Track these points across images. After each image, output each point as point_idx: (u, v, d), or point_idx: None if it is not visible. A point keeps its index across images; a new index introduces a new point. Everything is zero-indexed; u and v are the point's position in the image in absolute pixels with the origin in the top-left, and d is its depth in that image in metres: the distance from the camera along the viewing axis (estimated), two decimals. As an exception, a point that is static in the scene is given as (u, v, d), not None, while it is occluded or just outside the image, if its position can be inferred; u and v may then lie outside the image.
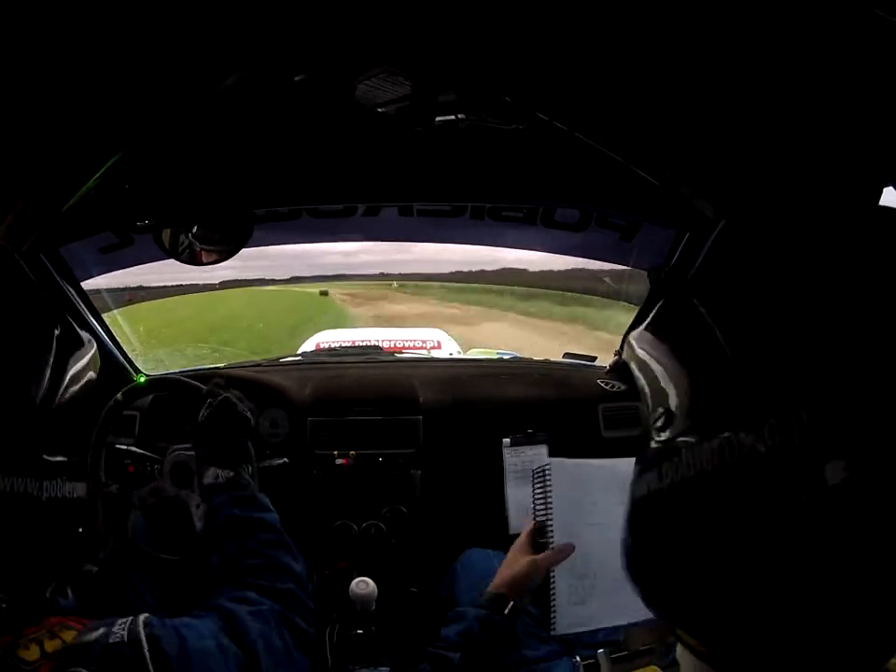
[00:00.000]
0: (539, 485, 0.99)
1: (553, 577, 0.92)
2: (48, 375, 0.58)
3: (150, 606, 1.17)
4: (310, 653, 0.77)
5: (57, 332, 0.61)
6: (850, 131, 0.72)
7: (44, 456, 0.56)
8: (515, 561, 0.92)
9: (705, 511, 0.33)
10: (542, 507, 0.97)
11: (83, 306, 1.44)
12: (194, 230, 1.18)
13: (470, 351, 3.86)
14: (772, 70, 0.66)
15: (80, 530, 0.63)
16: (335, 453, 1.50)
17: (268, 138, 1.08)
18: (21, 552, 0.54)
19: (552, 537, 0.94)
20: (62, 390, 0.59)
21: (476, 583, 1.17)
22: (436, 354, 3.03)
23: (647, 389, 0.40)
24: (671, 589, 0.37)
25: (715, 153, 0.91)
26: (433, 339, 3.61)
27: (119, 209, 1.20)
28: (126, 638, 0.60)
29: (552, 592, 0.92)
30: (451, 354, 3.21)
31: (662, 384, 0.38)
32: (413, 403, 1.54)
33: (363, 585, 1.22)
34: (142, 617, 0.63)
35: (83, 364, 0.63)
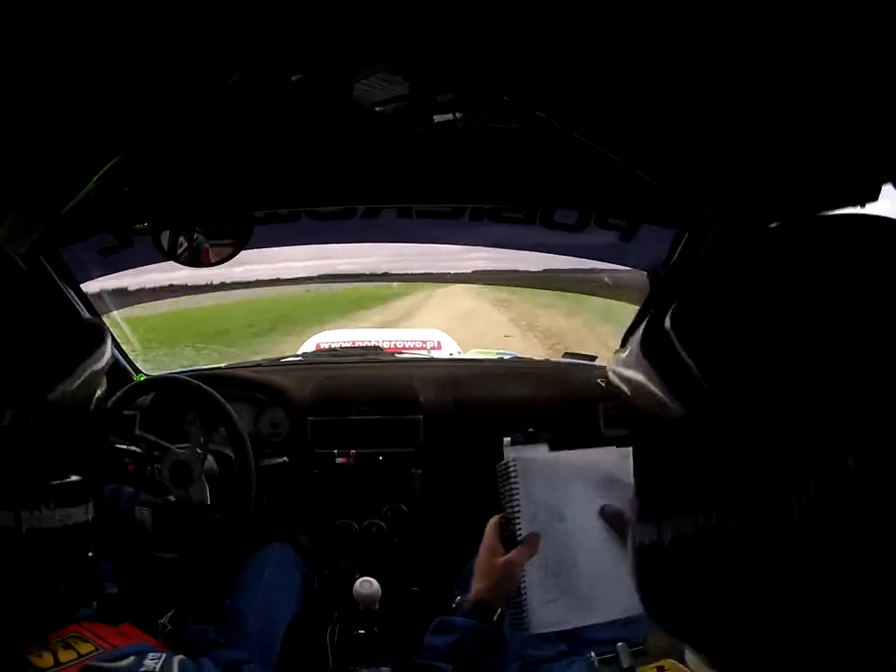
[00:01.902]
0: (502, 481, 0.93)
1: (524, 576, 0.86)
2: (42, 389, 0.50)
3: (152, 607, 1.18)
4: None
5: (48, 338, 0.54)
6: (850, 131, 0.72)
7: (21, 484, 0.49)
8: (490, 566, 0.86)
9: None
10: (508, 503, 0.91)
11: (82, 308, 1.45)
12: (194, 231, 1.19)
13: (470, 351, 3.86)
14: (772, 70, 0.66)
15: (90, 554, 0.57)
16: (335, 452, 1.50)
17: (267, 138, 1.08)
18: (11, 594, 0.49)
19: (519, 530, 0.88)
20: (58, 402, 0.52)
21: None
22: (436, 354, 3.03)
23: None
24: (681, 611, 0.36)
25: (714, 154, 0.91)
26: (433, 339, 3.60)
27: (118, 210, 1.20)
28: (158, 670, 0.59)
29: (522, 591, 0.86)
30: (451, 354, 3.20)
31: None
32: (414, 403, 1.54)
33: (367, 585, 1.22)
34: (176, 658, 0.63)
35: (90, 370, 0.55)
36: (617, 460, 0.91)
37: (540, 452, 0.96)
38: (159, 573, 1.24)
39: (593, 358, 1.89)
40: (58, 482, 0.52)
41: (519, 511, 0.89)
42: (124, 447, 1.24)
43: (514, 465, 0.93)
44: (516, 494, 0.90)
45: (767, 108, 0.75)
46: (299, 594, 1.26)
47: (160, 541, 1.21)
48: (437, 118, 0.86)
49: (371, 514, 1.50)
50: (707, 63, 0.69)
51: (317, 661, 1.31)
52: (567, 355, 1.98)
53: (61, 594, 0.55)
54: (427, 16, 0.65)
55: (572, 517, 0.88)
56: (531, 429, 1.47)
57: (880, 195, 0.81)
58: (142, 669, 0.59)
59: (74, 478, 0.54)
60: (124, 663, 0.59)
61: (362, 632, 1.26)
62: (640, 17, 0.63)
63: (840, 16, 0.56)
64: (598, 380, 1.66)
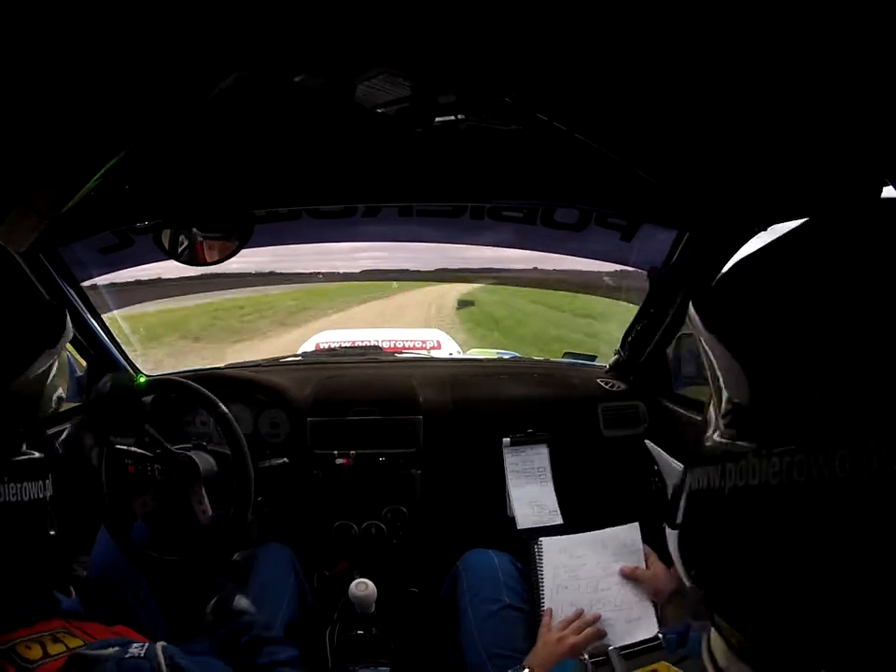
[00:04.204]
0: (533, 555, 1.20)
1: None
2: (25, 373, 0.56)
3: (146, 607, 1.17)
4: None
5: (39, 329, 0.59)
6: (851, 131, 0.72)
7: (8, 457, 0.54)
8: (546, 643, 1.02)
9: (766, 521, 0.33)
10: (536, 568, 1.17)
11: (82, 307, 1.44)
12: (194, 230, 1.18)
13: (470, 351, 3.86)
14: (772, 69, 0.67)
15: (52, 532, 0.60)
16: (335, 453, 1.50)
17: (268, 138, 1.08)
18: None
19: (542, 585, 1.14)
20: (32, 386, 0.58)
21: (477, 584, 1.17)
22: (436, 354, 3.03)
23: (716, 375, 0.39)
24: (719, 581, 0.37)
25: (715, 154, 0.91)
26: (433, 339, 3.60)
27: (118, 209, 1.20)
28: (143, 654, 0.61)
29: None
30: (451, 354, 3.20)
31: (732, 377, 0.37)
32: (413, 403, 1.54)
33: (362, 587, 1.22)
34: (159, 645, 0.65)
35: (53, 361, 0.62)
36: (626, 533, 1.18)
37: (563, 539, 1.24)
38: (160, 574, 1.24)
39: (593, 358, 1.89)
40: (14, 458, 0.56)
41: (543, 571, 1.16)
42: (124, 448, 1.23)
43: (540, 543, 1.21)
44: (541, 561, 1.18)
45: (768, 109, 0.75)
46: (292, 593, 1.26)
47: (159, 543, 1.21)
48: (438, 119, 0.86)
49: (371, 516, 1.50)
50: (707, 65, 0.69)
51: (317, 661, 1.31)
52: (567, 354, 1.98)
53: (30, 573, 0.58)
54: (429, 18, 0.65)
55: (587, 577, 1.14)
56: (531, 429, 1.48)
57: (881, 196, 0.81)
58: (127, 655, 0.60)
59: (35, 454, 0.58)
60: (109, 651, 0.60)
61: (361, 632, 1.26)
62: (641, 18, 0.63)
63: (840, 17, 0.56)
64: (598, 380, 1.66)
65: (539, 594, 1.13)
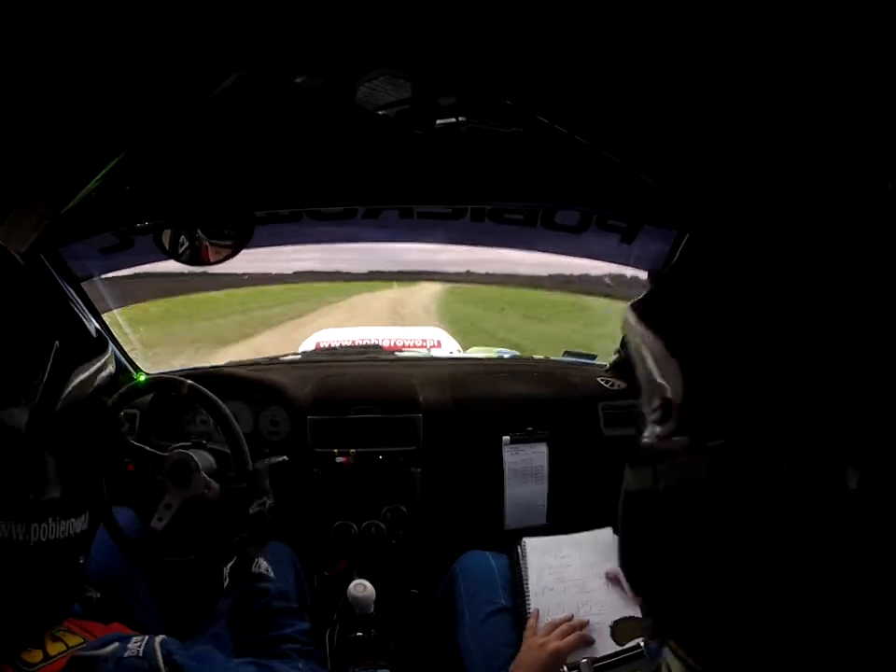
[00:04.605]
0: (518, 556, 1.19)
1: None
2: (40, 398, 0.52)
3: (145, 607, 1.18)
4: None
5: (56, 345, 0.55)
6: (851, 134, 0.72)
7: (32, 497, 0.52)
8: (530, 648, 1.00)
9: (699, 520, 0.31)
10: (522, 569, 1.16)
11: (83, 306, 1.44)
12: (195, 230, 1.19)
13: (471, 349, 3.85)
14: (773, 70, 0.67)
15: (81, 561, 0.61)
16: (335, 451, 1.50)
17: (268, 139, 1.08)
18: (11, 600, 0.52)
19: (528, 586, 1.13)
20: (57, 415, 0.54)
21: (474, 586, 1.18)
22: (436, 352, 3.02)
23: (644, 377, 0.38)
24: (662, 595, 0.35)
25: (714, 154, 0.91)
26: (433, 337, 3.60)
27: (119, 210, 1.20)
28: (141, 653, 0.61)
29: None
30: (451, 352, 3.20)
31: (660, 375, 0.36)
32: (414, 402, 1.54)
33: (361, 588, 1.22)
34: (158, 639, 0.64)
35: (87, 375, 0.59)
36: (611, 533, 1.17)
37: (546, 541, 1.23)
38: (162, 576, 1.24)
39: (593, 357, 1.89)
40: (62, 495, 0.55)
41: (528, 573, 1.15)
42: (125, 447, 1.23)
43: (524, 543, 1.20)
44: (525, 562, 1.17)
45: (768, 111, 0.75)
46: (292, 592, 1.26)
47: (164, 545, 1.21)
48: (439, 121, 0.86)
49: (371, 515, 1.50)
50: (708, 66, 0.69)
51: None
52: (567, 353, 1.98)
53: (53, 599, 0.58)
54: (430, 19, 0.65)
55: (574, 578, 1.13)
56: (531, 428, 1.49)
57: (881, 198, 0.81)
58: (126, 654, 0.60)
59: (78, 491, 0.58)
60: (108, 649, 0.60)
61: (360, 634, 1.26)
62: (642, 19, 0.63)
63: (840, 17, 0.56)
64: (598, 379, 1.66)
65: (525, 595, 1.13)
